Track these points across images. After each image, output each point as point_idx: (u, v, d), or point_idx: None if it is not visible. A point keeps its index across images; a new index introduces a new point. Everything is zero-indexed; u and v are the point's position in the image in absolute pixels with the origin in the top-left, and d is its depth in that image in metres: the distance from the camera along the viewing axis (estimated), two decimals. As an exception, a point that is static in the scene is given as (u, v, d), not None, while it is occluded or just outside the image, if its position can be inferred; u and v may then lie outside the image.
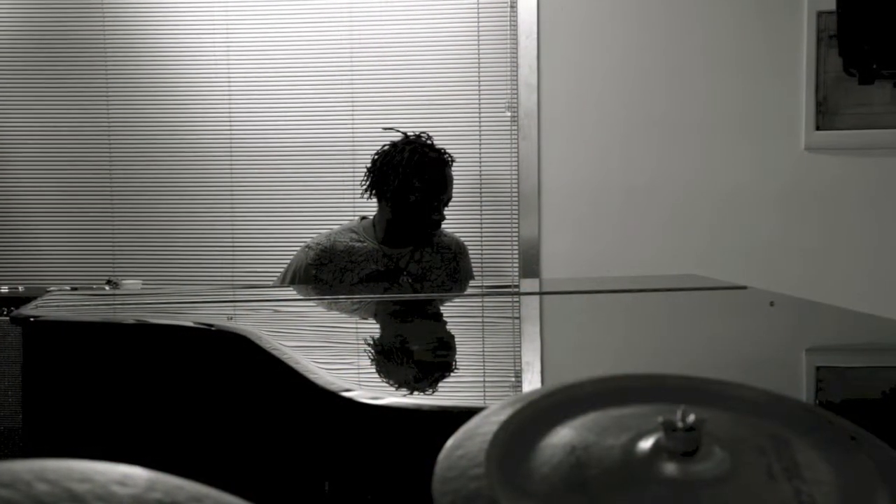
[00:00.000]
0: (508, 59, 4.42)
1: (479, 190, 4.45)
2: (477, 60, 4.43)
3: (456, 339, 2.23)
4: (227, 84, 4.53)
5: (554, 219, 4.41)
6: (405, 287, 3.55)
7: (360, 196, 3.77)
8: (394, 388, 1.62)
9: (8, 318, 2.34)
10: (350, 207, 4.36)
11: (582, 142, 4.38)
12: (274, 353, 1.64)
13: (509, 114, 4.43)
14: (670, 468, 0.69)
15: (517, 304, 2.86)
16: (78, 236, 4.62)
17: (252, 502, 0.61)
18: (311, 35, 4.49)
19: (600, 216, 4.38)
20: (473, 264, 3.99)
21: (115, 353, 2.06)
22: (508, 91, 4.43)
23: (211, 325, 2.01)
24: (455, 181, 3.72)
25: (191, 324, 2.10)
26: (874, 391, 1.53)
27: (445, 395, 1.57)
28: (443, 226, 3.74)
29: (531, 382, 1.57)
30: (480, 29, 4.42)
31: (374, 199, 3.71)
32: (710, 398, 0.79)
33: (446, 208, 3.71)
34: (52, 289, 4.03)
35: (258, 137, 4.53)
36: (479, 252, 4.41)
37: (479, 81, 4.44)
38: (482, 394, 1.59)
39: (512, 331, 2.43)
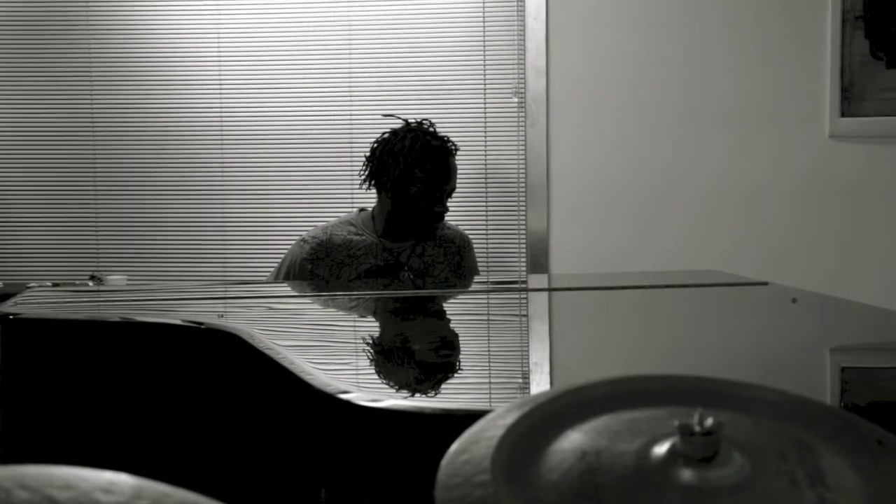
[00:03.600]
0: (515, 42, 4.42)
1: (484, 180, 4.45)
2: (482, 43, 4.43)
3: (460, 338, 2.23)
4: (217, 69, 4.52)
5: (563, 211, 4.41)
6: (406, 283, 3.55)
7: (358, 187, 3.77)
8: (394, 390, 1.62)
9: (-14, 315, 2.33)
10: (348, 199, 4.37)
11: (593, 129, 4.38)
12: (267, 352, 1.64)
13: (516, 100, 4.43)
14: (687, 475, 0.69)
15: (525, 301, 2.86)
16: (59, 229, 4.63)
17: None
18: (306, 16, 4.49)
19: (612, 208, 4.38)
20: (478, 259, 4.00)
21: (99, 353, 2.06)
22: (515, 75, 4.43)
23: (201, 324, 2.01)
24: (459, 171, 3.73)
25: (179, 322, 2.10)
26: (902, 393, 1.53)
27: (449, 398, 1.57)
28: (446, 218, 3.74)
29: (539, 384, 1.57)
30: (486, 10, 4.42)
31: (374, 190, 3.71)
32: (729, 400, 0.79)
33: (450, 200, 3.71)
34: (32, 285, 4.03)
35: (250, 125, 4.53)
36: (485, 246, 4.41)
37: (485, 65, 4.44)
38: (488, 396, 1.59)
39: (519, 329, 2.43)
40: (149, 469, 0.71)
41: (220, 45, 4.52)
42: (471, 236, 3.91)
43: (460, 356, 1.95)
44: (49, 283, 4.34)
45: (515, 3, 4.40)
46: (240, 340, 1.78)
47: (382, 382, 1.73)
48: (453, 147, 3.69)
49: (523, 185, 4.44)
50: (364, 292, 3.19)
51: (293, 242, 3.77)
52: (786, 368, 1.63)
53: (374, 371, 1.78)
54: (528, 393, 1.47)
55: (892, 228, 4.29)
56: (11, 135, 4.62)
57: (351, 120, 4.47)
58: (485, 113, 4.44)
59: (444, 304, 2.92)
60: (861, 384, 1.61)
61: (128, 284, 4.34)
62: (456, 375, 1.72)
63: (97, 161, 4.59)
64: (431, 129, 3.69)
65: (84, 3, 4.56)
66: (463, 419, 0.79)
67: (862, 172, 4.29)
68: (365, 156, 3.73)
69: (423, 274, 3.66)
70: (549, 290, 3.21)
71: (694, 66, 4.34)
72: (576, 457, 0.72)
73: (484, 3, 4.42)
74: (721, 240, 4.33)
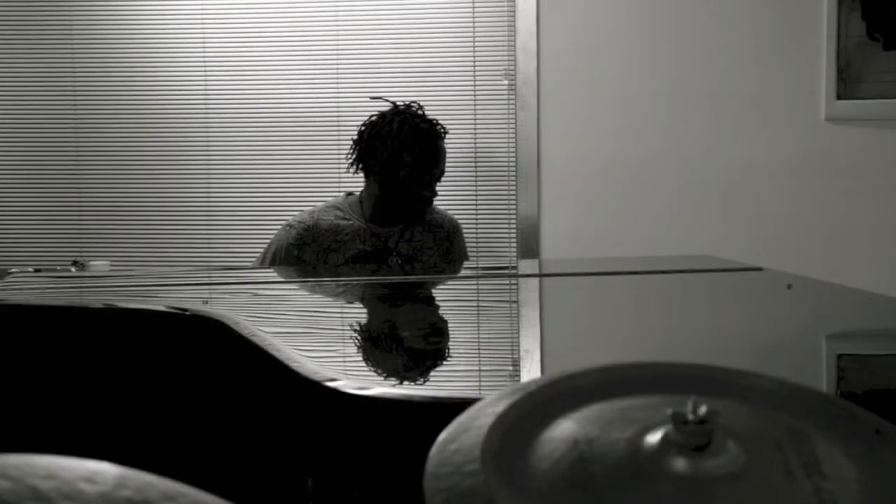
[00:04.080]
0: (506, 23, 4.41)
1: (473, 164, 4.45)
2: (472, 24, 4.42)
3: (449, 325, 2.23)
4: (201, 50, 4.51)
5: (554, 195, 4.41)
6: (394, 269, 3.55)
7: (345, 171, 3.77)
8: (382, 378, 1.62)
9: (-34, 302, 2.33)
10: (335, 183, 4.36)
11: (584, 112, 4.38)
12: (253, 339, 1.64)
13: (506, 82, 4.43)
14: (680, 464, 0.69)
15: (515, 287, 2.86)
16: (41, 214, 4.61)
17: (229, 500, 0.61)
18: (293, -4, 4.48)
19: (604, 192, 4.38)
20: (468, 244, 4.00)
21: (81, 340, 2.06)
22: (505, 57, 4.42)
23: (185, 310, 2.01)
24: (448, 154, 3.73)
25: (163, 308, 2.10)
26: (899, 381, 1.53)
27: (438, 385, 1.57)
28: (435, 202, 3.74)
29: (530, 371, 1.57)
30: (475, -10, 4.41)
31: (361, 174, 3.71)
32: (723, 388, 0.80)
33: (439, 184, 3.71)
34: (13, 270, 4.02)
35: (235, 108, 4.52)
36: (474, 231, 4.41)
37: (475, 47, 4.43)
38: (477, 384, 1.59)
39: (509, 316, 2.43)
40: (133, 458, 0.71)
41: (205, 28, 4.51)
42: (460, 221, 3.91)
43: (449, 343, 1.95)
44: (31, 269, 4.33)
45: (506, -16, 4.40)
46: (224, 327, 1.77)
47: (370, 370, 1.73)
48: (442, 130, 3.69)
49: (513, 168, 4.44)
50: (351, 278, 3.19)
51: (279, 227, 3.76)
52: (781, 355, 1.63)
53: (361, 358, 1.78)
54: (519, 381, 1.48)
55: (889, 212, 4.30)
56: (-9, 117, 4.61)
57: (338, 103, 4.47)
58: (474, 96, 4.44)
59: (433, 291, 2.92)
60: (858, 371, 1.61)
61: (111, 270, 4.33)
62: (445, 363, 1.72)
63: (80, 146, 4.58)
64: (420, 112, 3.69)
65: (65, -17, 4.55)
66: (452, 407, 0.79)
67: (859, 155, 4.29)
68: (352, 139, 3.72)
69: (411, 259, 3.66)
70: (540, 275, 3.22)
71: (688, 48, 4.34)
72: (567, 445, 0.72)
73: (474, -17, 4.41)
74: (715, 224, 4.33)
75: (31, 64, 4.58)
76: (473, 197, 4.46)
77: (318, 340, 1.96)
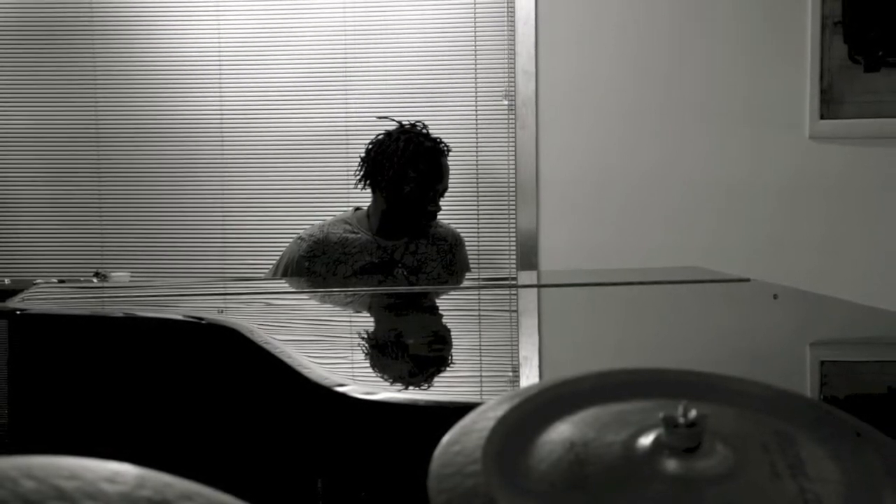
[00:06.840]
0: (506, 46, 4.41)
1: (475, 180, 4.45)
2: (473, 47, 4.43)
3: (452, 333, 2.23)
4: (217, 72, 4.52)
5: (552, 210, 4.41)
6: (400, 279, 3.55)
7: (353, 186, 3.77)
8: (388, 383, 1.62)
9: (-7, 311, 2.33)
10: (344, 198, 4.36)
11: (581, 131, 4.38)
12: (266, 347, 1.64)
13: (507, 102, 4.43)
14: (671, 465, 0.69)
15: (515, 297, 2.86)
16: (65, 227, 4.62)
17: (244, 500, 0.61)
18: (304, 21, 4.48)
19: (600, 207, 4.38)
20: (470, 256, 3.99)
21: (102, 348, 2.06)
22: (506, 79, 4.43)
23: (201, 319, 2.01)
24: (451, 171, 3.72)
25: (180, 317, 2.10)
26: (880, 386, 1.53)
27: (441, 390, 1.57)
28: (439, 217, 3.74)
29: (529, 377, 1.57)
30: (477, 15, 4.41)
31: (369, 190, 3.71)
32: (713, 393, 0.79)
33: (442, 199, 3.70)
34: (38, 281, 4.02)
35: (249, 126, 4.52)
36: (476, 244, 4.40)
37: (476, 69, 4.43)
38: (479, 389, 1.59)
39: (509, 324, 2.43)
40: (151, 459, 0.71)
41: (221, 50, 4.51)
42: (462, 234, 3.91)
43: (452, 350, 1.95)
44: (55, 280, 4.33)
45: (506, 9, 4.40)
46: (239, 335, 1.77)
47: (377, 376, 1.73)
48: (445, 148, 3.69)
49: (513, 185, 4.43)
50: (359, 288, 3.19)
51: (291, 240, 3.76)
52: (768, 362, 1.63)
53: (369, 365, 1.78)
54: (518, 386, 1.48)
55: (870, 227, 4.30)
56: (17, 134, 4.61)
57: (347, 122, 4.47)
58: (476, 115, 4.44)
59: (437, 300, 2.92)
60: (840, 377, 1.61)
61: (131, 281, 4.33)
62: (448, 369, 1.72)
63: (101, 162, 4.58)
64: (424, 131, 3.69)
65: (88, 7, 4.55)
66: (455, 411, 0.79)
67: (841, 173, 4.29)
68: (360, 156, 3.72)
69: (416, 271, 3.66)
70: (538, 286, 3.22)
71: (679, 70, 4.34)
72: (564, 448, 0.72)
73: (475, 8, 4.41)
74: (705, 238, 4.33)
75: (53, 80, 4.59)
76: (475, 211, 4.45)
77: (328, 347, 1.96)
